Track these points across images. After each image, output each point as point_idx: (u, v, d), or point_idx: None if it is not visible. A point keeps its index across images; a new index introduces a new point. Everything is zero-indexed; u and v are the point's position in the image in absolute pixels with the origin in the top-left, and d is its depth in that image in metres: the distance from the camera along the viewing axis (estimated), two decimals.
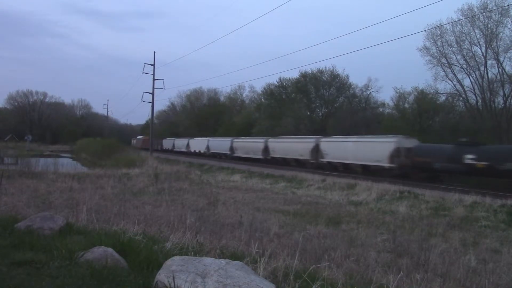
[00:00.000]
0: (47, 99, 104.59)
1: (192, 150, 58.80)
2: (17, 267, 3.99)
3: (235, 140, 48.52)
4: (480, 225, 13.62)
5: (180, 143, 66.33)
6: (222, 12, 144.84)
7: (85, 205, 9.40)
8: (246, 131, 57.84)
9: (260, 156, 41.76)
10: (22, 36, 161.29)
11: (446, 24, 40.96)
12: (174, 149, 67.33)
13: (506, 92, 40.47)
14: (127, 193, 18.09)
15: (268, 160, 40.02)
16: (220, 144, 51.24)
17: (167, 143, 74.14)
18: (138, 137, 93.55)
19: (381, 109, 59.61)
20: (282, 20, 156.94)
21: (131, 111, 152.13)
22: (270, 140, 42.04)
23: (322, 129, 50.43)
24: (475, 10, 39.53)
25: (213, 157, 50.10)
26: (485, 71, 41.03)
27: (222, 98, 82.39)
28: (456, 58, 42.48)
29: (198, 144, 57.75)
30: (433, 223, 13.44)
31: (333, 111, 57.32)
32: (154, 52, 71.98)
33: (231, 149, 47.70)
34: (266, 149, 41.35)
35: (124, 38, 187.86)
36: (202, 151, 55.53)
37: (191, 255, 4.43)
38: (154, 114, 55.94)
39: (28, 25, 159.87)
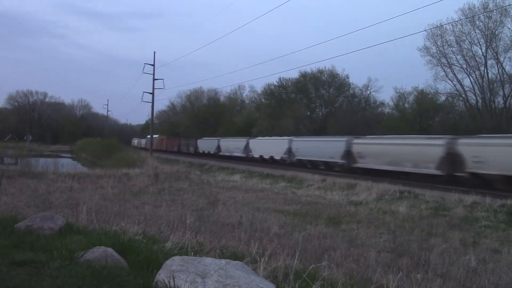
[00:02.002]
0: (47, 99, 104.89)
1: (257, 156, 41.79)
2: (17, 267, 3.98)
3: (358, 141, 29.30)
4: (480, 225, 13.61)
5: (232, 144, 47.80)
6: (222, 12, 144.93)
7: (85, 205, 9.41)
8: (246, 131, 57.84)
9: (432, 170, 23.02)
10: (22, 37, 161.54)
11: (446, 24, 41.09)
12: (220, 153, 49.58)
13: (506, 92, 40.60)
14: (127, 193, 18.10)
15: (461, 181, 21.38)
16: (321, 147, 32.53)
17: (206, 144, 55.31)
18: (148, 136, 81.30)
19: (380, 109, 59.74)
20: (281, 20, 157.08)
21: (131, 111, 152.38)
22: (463, 141, 22.20)
23: (323, 129, 50.52)
24: (475, 10, 39.62)
25: (302, 167, 32.97)
26: (485, 71, 41.15)
27: (222, 98, 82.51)
28: (456, 58, 42.65)
29: (270, 146, 40.59)
30: (433, 223, 13.43)
31: (333, 111, 57.37)
32: (154, 52, 72.05)
33: (348, 155, 29.17)
34: (449, 158, 22.20)
35: (123, 38, 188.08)
36: (278, 158, 38.31)
37: (191, 255, 4.44)
38: (154, 114, 55.92)
39: (28, 26, 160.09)
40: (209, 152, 52.80)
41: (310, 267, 4.73)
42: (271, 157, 39.78)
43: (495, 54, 39.90)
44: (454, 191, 18.13)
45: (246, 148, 44.36)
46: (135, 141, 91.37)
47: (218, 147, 50.75)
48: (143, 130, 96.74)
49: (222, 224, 10.83)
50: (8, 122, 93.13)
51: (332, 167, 31.26)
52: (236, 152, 45.58)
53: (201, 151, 55.51)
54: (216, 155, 49.54)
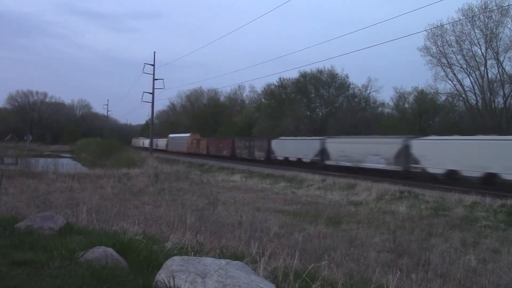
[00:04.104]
0: (47, 99, 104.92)
1: (439, 170, 23.39)
2: (17, 267, 3.98)
3: None
4: (480, 225, 13.63)
5: (359, 148, 29.08)
6: (222, 12, 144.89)
7: (85, 205, 9.40)
8: (246, 131, 57.77)
9: None
10: (22, 37, 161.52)
11: (447, 24, 41.06)
12: (329, 161, 31.63)
13: (506, 92, 40.57)
14: (127, 193, 18.10)
15: None
16: None
17: (290, 147, 36.99)
18: (173, 135, 67.63)
19: (380, 109, 59.77)
20: (281, 20, 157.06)
21: (131, 111, 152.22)
22: None
23: (323, 129, 50.45)
24: (475, 10, 39.62)
25: None
26: (485, 71, 41.12)
27: (222, 98, 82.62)
28: (456, 58, 42.60)
29: (482, 152, 21.08)
30: (433, 223, 13.44)
31: (333, 111, 57.37)
32: (154, 52, 71.78)
33: None
34: None
35: (123, 38, 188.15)
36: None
37: (191, 255, 4.43)
38: (154, 114, 55.81)
39: (27, 26, 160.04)
40: (299, 159, 34.93)
41: (310, 267, 4.73)
42: (488, 175, 20.61)
43: (495, 54, 39.88)
44: (454, 191, 18.15)
45: (402, 155, 25.59)
46: (143, 141, 78.38)
47: (323, 153, 32.26)
48: (143, 130, 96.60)
49: (222, 224, 10.83)
50: (8, 122, 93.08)
51: None
52: (374, 162, 27.39)
53: (279, 158, 37.44)
54: (318, 165, 32.05)
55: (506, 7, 37.35)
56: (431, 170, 23.88)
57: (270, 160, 38.55)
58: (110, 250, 4.48)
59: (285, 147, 37.78)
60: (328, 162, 31.75)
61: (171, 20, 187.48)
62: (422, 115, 48.35)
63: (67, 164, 32.55)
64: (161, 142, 69.67)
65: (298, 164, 34.48)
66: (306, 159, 34.30)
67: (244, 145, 44.56)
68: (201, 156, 51.69)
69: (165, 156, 51.84)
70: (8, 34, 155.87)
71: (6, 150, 42.78)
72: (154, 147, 69.94)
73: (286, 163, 36.11)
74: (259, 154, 41.02)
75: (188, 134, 61.64)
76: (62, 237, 5.37)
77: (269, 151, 39.58)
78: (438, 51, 43.02)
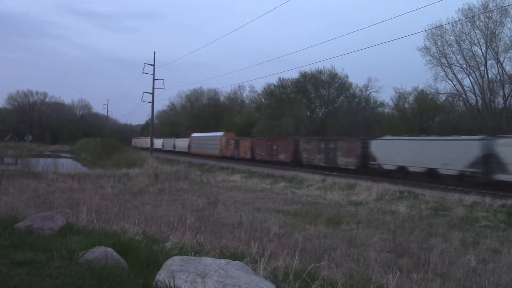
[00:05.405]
0: (47, 99, 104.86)
1: None
2: (17, 267, 3.98)
3: None
4: (480, 225, 13.64)
5: None
6: (222, 12, 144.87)
7: (85, 205, 9.39)
8: (246, 131, 57.75)
9: None
10: (21, 37, 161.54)
11: (446, 24, 41.05)
12: (505, 176, 19.18)
13: (506, 92, 40.58)
14: (127, 193, 18.10)
15: None
16: None
17: (404, 150, 25.23)
18: (197, 134, 56.42)
19: (380, 109, 59.80)
20: (281, 20, 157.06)
21: (131, 111, 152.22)
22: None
23: (323, 129, 50.45)
24: (475, 10, 39.62)
25: None
26: (485, 71, 41.11)
27: (222, 98, 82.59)
28: (456, 58, 42.61)
29: None
30: (433, 223, 13.45)
31: (333, 111, 57.38)
32: (154, 52, 71.98)
33: None
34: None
35: (123, 39, 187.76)
36: None
37: (191, 255, 4.44)
38: (154, 114, 55.73)
39: (26, 26, 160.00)
40: (432, 170, 23.35)
41: (310, 267, 4.73)
42: None
43: (495, 54, 39.88)
44: (454, 191, 18.16)
45: None
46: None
47: (490, 161, 20.39)
48: (143, 130, 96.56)
49: (222, 224, 10.83)
50: (8, 122, 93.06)
51: None
52: None
53: (386, 167, 26.31)
54: (477, 180, 20.92)
55: (506, 7, 37.37)
56: None
57: (368, 170, 27.24)
58: (110, 250, 4.48)
59: (398, 150, 25.51)
60: (504, 177, 19.35)
61: (171, 20, 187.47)
62: (422, 115, 48.37)
63: (67, 164, 32.53)
64: (181, 143, 60.20)
65: (426, 177, 23.55)
66: (449, 170, 22.17)
67: (316, 148, 32.83)
68: (244, 161, 40.20)
69: (164, 156, 51.69)
70: (8, 34, 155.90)
71: (6, 150, 42.80)
72: (171, 148, 63.20)
73: (399, 174, 24.89)
74: (345, 161, 29.74)
75: (220, 133, 50.79)
76: (62, 237, 5.37)
77: (364, 157, 28.12)
78: (438, 51, 43.06)
